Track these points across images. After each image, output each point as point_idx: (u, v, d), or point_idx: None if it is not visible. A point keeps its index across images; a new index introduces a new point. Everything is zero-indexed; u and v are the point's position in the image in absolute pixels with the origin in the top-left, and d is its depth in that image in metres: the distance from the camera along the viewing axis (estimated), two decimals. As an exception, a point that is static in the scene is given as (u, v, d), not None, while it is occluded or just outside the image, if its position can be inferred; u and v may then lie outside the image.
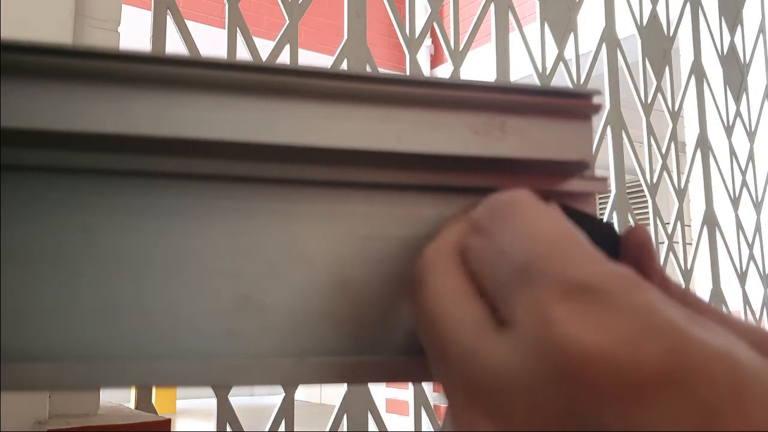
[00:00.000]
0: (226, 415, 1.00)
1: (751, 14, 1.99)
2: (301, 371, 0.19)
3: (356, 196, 0.21)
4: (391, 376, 0.20)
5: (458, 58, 1.36)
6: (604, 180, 0.23)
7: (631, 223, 1.54)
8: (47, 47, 0.18)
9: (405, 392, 1.24)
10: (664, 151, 1.66)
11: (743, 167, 1.86)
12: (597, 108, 0.23)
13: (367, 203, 0.21)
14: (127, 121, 0.18)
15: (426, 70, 4.97)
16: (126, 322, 0.18)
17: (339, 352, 0.20)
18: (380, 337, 0.21)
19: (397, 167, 0.21)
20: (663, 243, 1.62)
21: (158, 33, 1.00)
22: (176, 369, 0.18)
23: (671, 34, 1.71)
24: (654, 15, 1.68)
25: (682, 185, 1.69)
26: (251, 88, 0.20)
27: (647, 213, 1.63)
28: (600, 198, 4.61)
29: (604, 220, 0.22)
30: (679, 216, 1.67)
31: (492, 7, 1.40)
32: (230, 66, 0.19)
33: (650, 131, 1.65)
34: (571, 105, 0.22)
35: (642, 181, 1.62)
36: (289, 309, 0.20)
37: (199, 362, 0.19)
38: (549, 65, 1.47)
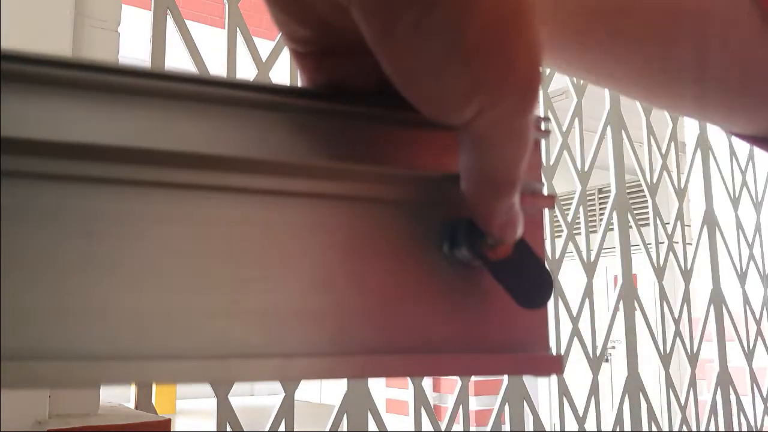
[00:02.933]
0: (226, 415, 1.00)
1: (751, 14, 1.99)
2: (287, 367, 0.21)
3: (337, 208, 0.23)
4: (373, 372, 0.22)
5: (458, 58, 1.36)
6: (552, 198, 0.26)
7: (631, 223, 1.54)
8: (41, 58, 0.18)
9: (405, 392, 1.24)
10: (664, 151, 1.66)
11: (743, 167, 1.86)
12: (545, 134, 0.25)
13: (348, 216, 0.23)
14: (121, 133, 0.19)
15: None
16: (125, 323, 0.19)
17: (320, 350, 0.22)
18: (362, 336, 0.22)
19: (374, 182, 0.23)
20: (663, 243, 1.62)
21: (158, 33, 1.00)
22: (172, 367, 0.19)
23: (671, 34, 1.71)
24: (654, 15, 1.68)
25: (682, 185, 1.69)
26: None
27: (647, 213, 1.63)
28: (600, 198, 4.63)
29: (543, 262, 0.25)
30: (679, 216, 1.67)
31: (492, 7, 1.40)
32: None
33: (650, 131, 1.65)
34: None
35: (642, 181, 1.62)
36: (276, 310, 0.21)
37: (194, 360, 0.20)
38: (549, 65, 1.47)
